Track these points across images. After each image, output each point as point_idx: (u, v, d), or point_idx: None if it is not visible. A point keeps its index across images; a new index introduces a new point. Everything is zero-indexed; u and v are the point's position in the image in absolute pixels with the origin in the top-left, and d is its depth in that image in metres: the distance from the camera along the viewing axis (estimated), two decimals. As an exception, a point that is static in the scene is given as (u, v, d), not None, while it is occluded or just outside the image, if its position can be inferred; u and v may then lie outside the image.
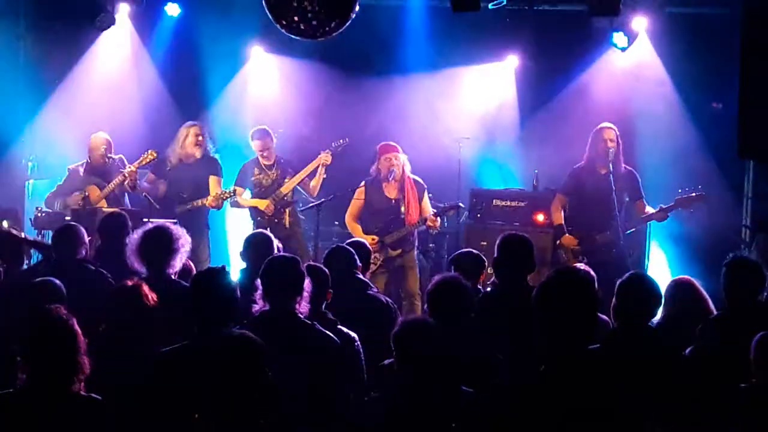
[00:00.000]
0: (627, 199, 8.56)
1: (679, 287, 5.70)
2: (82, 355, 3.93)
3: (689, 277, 5.82)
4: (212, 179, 9.11)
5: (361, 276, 6.00)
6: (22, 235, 6.86)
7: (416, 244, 8.85)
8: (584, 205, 8.64)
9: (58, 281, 5.28)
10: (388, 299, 6.08)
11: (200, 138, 9.11)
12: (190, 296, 4.55)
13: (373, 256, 8.26)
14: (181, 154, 9.10)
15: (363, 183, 8.84)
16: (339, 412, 4.50)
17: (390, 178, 8.64)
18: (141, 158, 8.86)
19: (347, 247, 6.10)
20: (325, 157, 9.02)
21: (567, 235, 8.65)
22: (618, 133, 8.60)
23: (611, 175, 8.40)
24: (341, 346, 4.73)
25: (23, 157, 9.98)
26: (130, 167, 8.79)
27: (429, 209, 8.72)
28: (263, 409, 4.04)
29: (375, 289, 6.11)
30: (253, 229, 8.79)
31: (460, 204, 8.94)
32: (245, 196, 9.26)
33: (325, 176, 9.07)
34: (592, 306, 3.74)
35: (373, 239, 8.45)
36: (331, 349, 4.66)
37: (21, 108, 10.20)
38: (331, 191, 9.11)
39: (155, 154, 8.89)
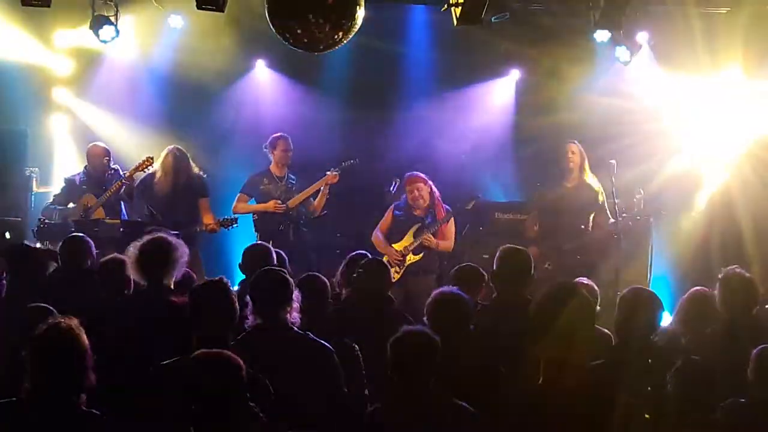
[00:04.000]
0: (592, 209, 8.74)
1: (695, 300, 5.70)
2: (88, 369, 3.92)
3: (705, 289, 5.81)
4: (202, 202, 9.06)
5: (390, 294, 6.03)
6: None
7: (436, 270, 8.83)
8: (553, 218, 8.85)
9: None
10: (409, 318, 6.09)
11: (184, 162, 9.03)
12: (189, 308, 4.55)
13: (394, 270, 8.37)
14: (171, 179, 8.98)
15: (392, 206, 8.90)
16: (335, 419, 4.49)
17: (416, 207, 8.70)
18: (138, 164, 8.86)
19: (384, 263, 6.12)
20: (331, 177, 9.07)
21: (533, 247, 8.80)
22: (580, 147, 8.87)
23: (576, 188, 8.75)
24: (335, 353, 4.72)
25: (25, 167, 9.97)
26: (126, 173, 8.82)
27: (452, 233, 8.78)
28: (262, 420, 4.02)
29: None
30: (258, 240, 8.80)
31: (479, 195, 9.09)
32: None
33: (328, 195, 9.15)
34: (584, 320, 3.77)
35: (398, 252, 8.55)
36: (326, 356, 4.67)
37: (23, 119, 10.22)
38: (333, 205, 9.14)
39: (152, 159, 8.89)
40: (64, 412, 3.87)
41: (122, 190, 8.79)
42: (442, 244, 8.71)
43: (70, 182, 9.16)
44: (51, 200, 9.22)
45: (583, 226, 8.71)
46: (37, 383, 3.86)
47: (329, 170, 9.15)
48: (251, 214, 9.31)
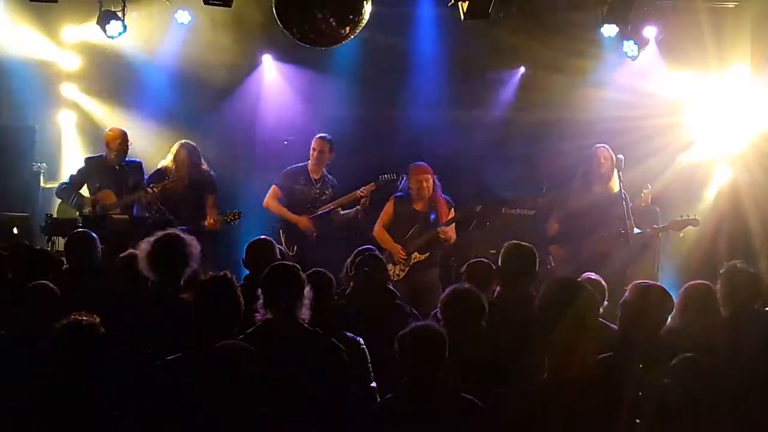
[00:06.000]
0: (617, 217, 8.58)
1: (694, 292, 5.69)
2: (103, 365, 3.96)
3: (706, 282, 5.80)
4: (210, 198, 9.04)
5: (390, 286, 6.05)
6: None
7: (439, 263, 8.84)
8: (578, 221, 8.75)
9: (51, 285, 5.33)
10: (413, 309, 6.11)
11: (196, 157, 9.03)
12: (194, 303, 4.57)
13: (398, 267, 8.35)
14: (185, 174, 8.97)
15: (392, 198, 8.87)
16: (344, 414, 4.50)
17: (419, 199, 8.70)
18: (166, 182, 8.77)
19: (380, 256, 6.14)
20: (364, 192, 8.99)
21: (555, 246, 8.84)
22: (611, 153, 8.69)
23: (605, 193, 8.64)
24: (344, 350, 4.75)
25: (33, 163, 9.99)
26: (153, 188, 8.72)
27: (453, 225, 8.76)
28: (264, 416, 4.03)
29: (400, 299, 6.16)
30: (282, 238, 8.80)
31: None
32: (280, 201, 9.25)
33: (363, 210, 9.06)
34: (588, 315, 3.79)
35: (402, 249, 8.53)
36: (335, 353, 4.69)
37: (31, 115, 10.24)
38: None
39: (178, 183, 8.82)
40: (77, 406, 3.89)
41: (143, 198, 8.74)
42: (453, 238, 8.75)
43: (89, 164, 9.05)
44: (69, 181, 9.12)
45: (606, 233, 8.57)
46: (56, 376, 3.89)
47: (362, 189, 9.02)
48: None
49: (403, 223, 8.72)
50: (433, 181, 8.68)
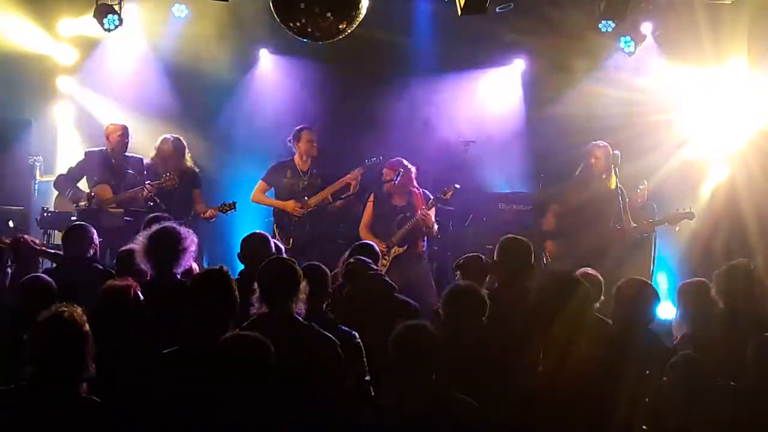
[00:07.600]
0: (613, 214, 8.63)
1: (693, 289, 5.72)
2: (89, 357, 3.94)
3: (703, 279, 5.83)
4: (196, 193, 9.07)
5: (388, 278, 6.05)
6: (40, 247, 6.89)
7: (426, 257, 8.86)
8: (575, 216, 8.74)
9: (48, 278, 5.36)
10: (416, 304, 6.10)
11: (181, 150, 9.02)
12: (190, 297, 4.56)
13: (380, 261, 8.39)
14: (169, 167, 8.93)
15: (372, 193, 8.92)
16: (339, 408, 4.50)
17: (395, 193, 8.75)
18: (163, 180, 8.75)
19: (372, 245, 6.19)
20: (354, 175, 9.03)
21: (550, 241, 8.80)
22: (608, 151, 8.66)
23: (601, 189, 8.62)
24: (339, 345, 4.73)
25: (29, 156, 9.97)
26: (150, 185, 8.69)
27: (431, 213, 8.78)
28: (263, 409, 4.02)
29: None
30: (276, 233, 8.78)
31: (456, 185, 8.84)
32: (267, 194, 9.25)
33: (352, 194, 9.09)
34: (584, 310, 3.79)
35: (381, 244, 8.50)
36: (330, 348, 4.67)
37: (27, 107, 10.22)
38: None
39: (176, 180, 8.81)
40: (65, 399, 3.88)
41: (140, 195, 8.72)
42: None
43: (89, 157, 9.04)
44: (66, 172, 9.11)
45: (601, 228, 8.60)
46: (39, 370, 3.87)
47: (350, 172, 9.06)
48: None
49: (383, 218, 8.79)
50: (405, 179, 8.70)
